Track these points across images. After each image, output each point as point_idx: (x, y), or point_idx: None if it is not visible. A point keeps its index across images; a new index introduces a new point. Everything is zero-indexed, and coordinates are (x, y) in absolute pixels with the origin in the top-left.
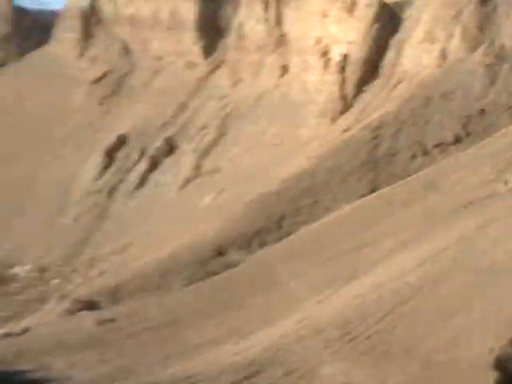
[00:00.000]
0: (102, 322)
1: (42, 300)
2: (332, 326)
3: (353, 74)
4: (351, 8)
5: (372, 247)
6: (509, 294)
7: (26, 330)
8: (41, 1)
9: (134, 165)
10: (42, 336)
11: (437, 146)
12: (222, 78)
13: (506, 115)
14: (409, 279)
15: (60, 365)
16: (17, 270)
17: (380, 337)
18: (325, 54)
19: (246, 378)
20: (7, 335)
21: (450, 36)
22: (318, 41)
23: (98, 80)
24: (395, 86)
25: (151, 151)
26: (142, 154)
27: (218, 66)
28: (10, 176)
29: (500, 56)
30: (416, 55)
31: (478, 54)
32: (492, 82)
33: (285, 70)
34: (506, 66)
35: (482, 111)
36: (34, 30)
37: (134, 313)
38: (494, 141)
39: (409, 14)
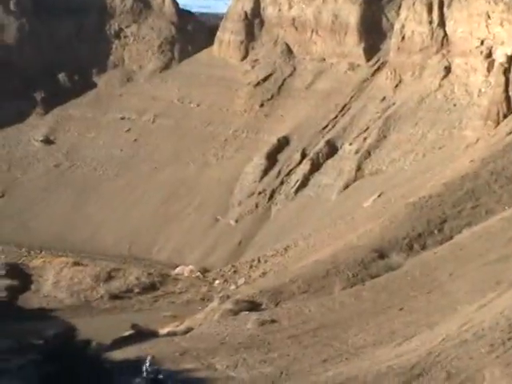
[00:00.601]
0: (263, 323)
1: (205, 300)
2: (496, 330)
3: None
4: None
5: None
6: None
7: (189, 330)
8: (204, 4)
9: (295, 167)
10: (205, 335)
11: None
12: (383, 79)
13: None
14: None
15: (223, 364)
16: (179, 270)
17: None
18: (488, 55)
19: (407, 381)
20: (171, 334)
21: None
22: (482, 42)
23: (260, 82)
24: None
25: (312, 153)
26: (303, 156)
27: (379, 68)
28: (173, 177)
29: None
30: None
31: None
32: None
33: (447, 71)
34: None
35: None
36: (198, 32)
37: (295, 314)
38: None
39: None
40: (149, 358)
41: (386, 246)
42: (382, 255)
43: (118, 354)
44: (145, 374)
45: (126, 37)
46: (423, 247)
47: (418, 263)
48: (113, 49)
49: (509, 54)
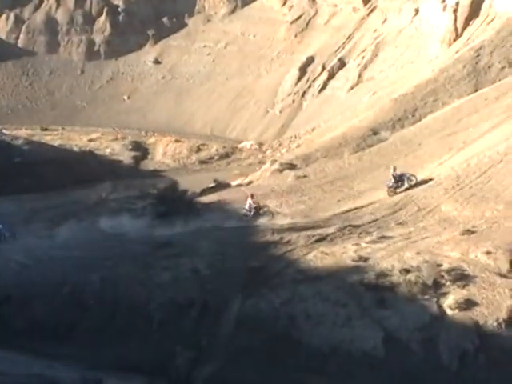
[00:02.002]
0: (298, 177)
1: (260, 163)
2: (448, 179)
3: (462, 14)
4: None
5: (475, 128)
6: None
7: (250, 182)
8: None
9: (318, 76)
10: (261, 186)
11: None
12: (375, 18)
13: None
14: (499, 149)
15: (273, 204)
16: (244, 144)
17: (479, 187)
18: (443, 1)
19: (393, 211)
20: (238, 185)
21: None
22: None
23: (294, 21)
24: (490, 21)
25: (329, 67)
26: (323, 68)
27: (372, 10)
28: (238, 84)
29: None
30: (504, 1)
31: None
32: None
33: (416, 11)
34: None
35: None
36: None
37: (319, 171)
38: None
39: None
40: (249, 195)
41: (378, 126)
42: (375, 132)
43: (204, 199)
44: (248, 206)
45: None
46: (402, 126)
47: (398, 137)
48: (198, 1)
49: (456, 0)
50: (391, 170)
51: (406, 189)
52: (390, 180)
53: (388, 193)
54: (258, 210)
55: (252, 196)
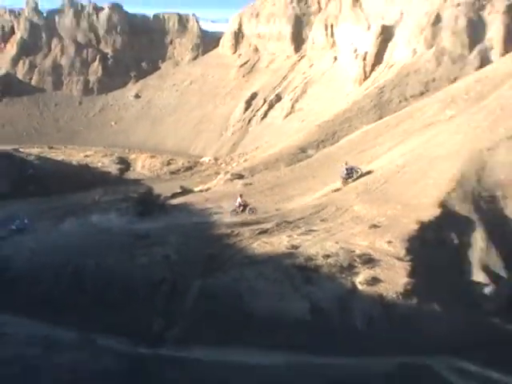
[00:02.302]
0: (245, 185)
1: (216, 174)
2: (359, 186)
3: (369, 61)
4: (368, 28)
5: (379, 147)
6: (445, 171)
7: (208, 189)
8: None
9: (260, 107)
10: (217, 191)
11: (411, 96)
12: (304, 63)
13: (445, 81)
14: (398, 162)
15: (226, 205)
16: (204, 159)
17: (383, 192)
18: (355, 51)
19: (317, 211)
20: (200, 191)
21: (417, 42)
22: (351, 44)
23: (243, 65)
24: (390, 67)
25: (269, 100)
26: (264, 101)
27: (302, 57)
28: (200, 113)
29: (442, 52)
30: (400, 52)
31: (432, 51)
32: (439, 64)
33: (335, 59)
34: (445, 57)
35: (434, 79)
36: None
37: (261, 180)
38: (440, 95)
39: (397, 31)
40: (239, 195)
41: (306, 145)
42: (303, 150)
43: (173, 201)
44: (238, 203)
45: (174, 44)
46: (324, 146)
47: (321, 154)
48: (169, 50)
49: (365, 51)
50: (344, 164)
51: (355, 179)
52: (343, 172)
53: (342, 182)
54: (245, 207)
55: (241, 196)
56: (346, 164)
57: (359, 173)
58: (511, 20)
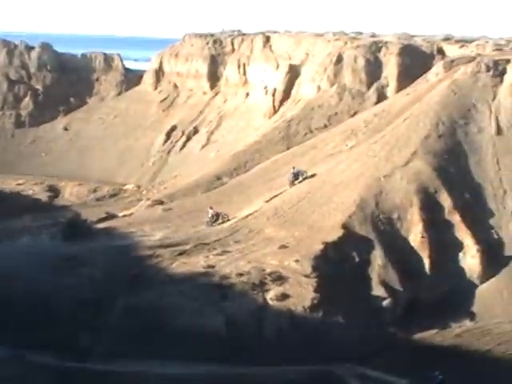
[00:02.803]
0: (165, 210)
1: (138, 200)
2: (269, 210)
3: (278, 96)
4: (277, 67)
5: (287, 175)
6: (347, 196)
7: (131, 214)
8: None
9: (179, 139)
10: (139, 216)
11: (316, 129)
12: (218, 99)
13: (346, 115)
14: (303, 189)
15: (148, 229)
16: (127, 186)
17: (290, 216)
18: (265, 88)
19: (232, 233)
20: (123, 216)
21: (321, 80)
22: (262, 82)
23: (163, 100)
24: (297, 102)
25: (187, 132)
26: (183, 134)
27: (217, 94)
28: (124, 145)
29: (343, 89)
30: (306, 88)
31: (334, 88)
32: (340, 100)
33: (247, 95)
34: (346, 93)
35: (336, 113)
36: (134, 77)
37: (180, 206)
38: (341, 127)
39: (304, 70)
40: (209, 206)
41: (221, 174)
42: (218, 178)
43: (99, 226)
44: (210, 215)
45: (100, 81)
46: (237, 174)
47: (235, 182)
48: (95, 87)
49: (274, 87)
50: (291, 169)
51: (300, 181)
52: (290, 175)
53: (289, 185)
54: (218, 217)
55: (211, 207)
56: (294, 169)
57: (304, 175)
58: (404, 60)
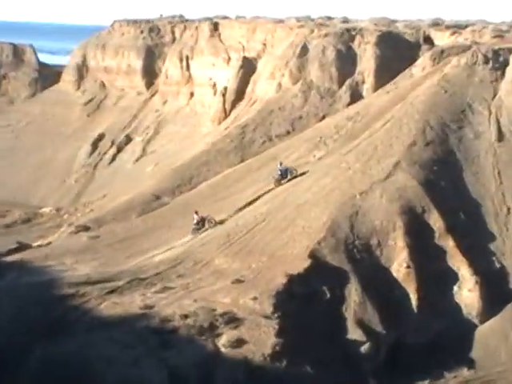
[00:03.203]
0: (92, 238)
1: (59, 226)
2: (220, 237)
3: (229, 97)
4: (228, 60)
5: (241, 193)
6: (315, 218)
7: (49, 243)
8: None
9: (108, 150)
10: (59, 246)
11: (276, 136)
12: (156, 100)
13: (314, 119)
14: (261, 210)
15: (70, 262)
16: (44, 209)
17: (246, 242)
18: (214, 86)
19: (174, 265)
20: (39, 246)
21: (282, 76)
22: (210, 78)
23: (87, 103)
24: (253, 103)
25: (118, 142)
26: (112, 143)
27: (154, 94)
28: (39, 157)
29: (310, 87)
30: (264, 86)
31: (298, 85)
32: (306, 100)
33: (192, 95)
34: (313, 92)
35: (301, 116)
36: (51, 75)
37: (110, 232)
38: (308, 133)
39: (260, 64)
40: (194, 211)
41: (160, 192)
42: (157, 197)
43: (9, 259)
44: (195, 221)
45: (8, 78)
46: (180, 192)
47: (177, 202)
48: (2, 86)
49: (224, 85)
50: (278, 165)
51: (289, 179)
52: (276, 173)
53: (274, 183)
54: (204, 221)
55: (196, 212)
56: (281, 165)
57: (294, 174)
58: (383, 51)
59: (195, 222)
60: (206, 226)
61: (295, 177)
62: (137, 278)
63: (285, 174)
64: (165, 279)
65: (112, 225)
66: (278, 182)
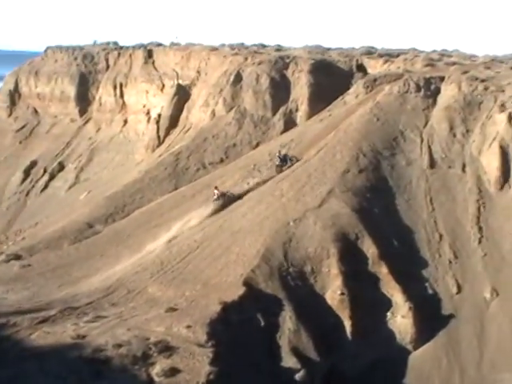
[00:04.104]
0: (23, 267)
1: None
2: (154, 265)
3: (163, 124)
4: (162, 88)
5: (175, 221)
6: (249, 245)
7: None
8: None
9: (41, 177)
10: None
11: (210, 163)
12: (90, 127)
13: (247, 146)
14: (195, 238)
15: (0, 291)
16: None
17: (180, 270)
18: (147, 113)
19: (107, 294)
20: None
21: (216, 103)
22: (144, 106)
23: (20, 129)
24: (187, 130)
25: (50, 169)
26: (45, 171)
27: (88, 121)
28: None
29: (243, 114)
30: (198, 114)
31: (232, 113)
32: (240, 128)
33: (125, 122)
34: (247, 119)
35: (235, 144)
36: None
37: (42, 261)
38: (241, 161)
39: (195, 91)
40: (215, 187)
41: (93, 220)
42: (90, 226)
43: None
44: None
45: None
46: (114, 220)
47: (111, 230)
48: None
49: (158, 113)
50: (277, 153)
51: (289, 166)
52: (277, 160)
53: (276, 170)
54: (224, 196)
55: (216, 187)
56: (280, 152)
57: (294, 160)
58: (316, 79)
59: (215, 197)
60: (226, 200)
61: (294, 163)
62: (69, 307)
63: (284, 161)
64: (98, 308)
65: (44, 253)
66: (280, 168)
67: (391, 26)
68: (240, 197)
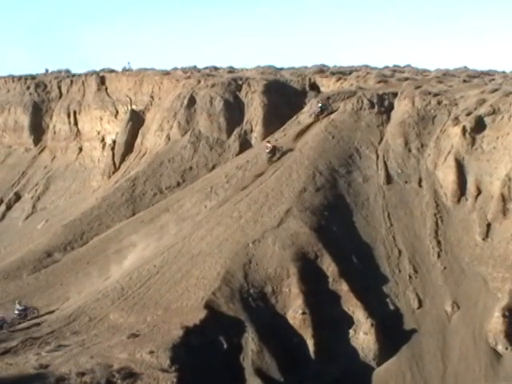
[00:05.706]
0: None
1: None
2: (114, 291)
3: (118, 150)
4: (116, 114)
5: (134, 246)
6: (209, 268)
7: None
8: None
9: None
10: None
11: (167, 188)
12: (45, 156)
13: (204, 169)
14: (155, 262)
15: None
16: None
17: (140, 296)
18: (102, 140)
19: (68, 322)
20: None
21: (171, 127)
22: (98, 132)
23: None
24: (142, 156)
25: (7, 200)
26: (1, 201)
27: (43, 150)
28: None
29: (198, 137)
30: (153, 138)
31: (187, 136)
32: (195, 151)
33: (80, 149)
34: (202, 142)
35: (191, 167)
36: None
37: (1, 291)
38: (198, 184)
39: (149, 116)
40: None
41: (51, 249)
42: (49, 254)
43: None
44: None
45: None
46: (72, 248)
47: (70, 258)
48: None
49: (113, 139)
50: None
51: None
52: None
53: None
54: (275, 150)
55: (268, 141)
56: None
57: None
58: (270, 99)
59: (268, 150)
60: (277, 154)
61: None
62: (31, 338)
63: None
64: (59, 337)
65: (3, 284)
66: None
67: (342, 44)
68: (292, 149)
